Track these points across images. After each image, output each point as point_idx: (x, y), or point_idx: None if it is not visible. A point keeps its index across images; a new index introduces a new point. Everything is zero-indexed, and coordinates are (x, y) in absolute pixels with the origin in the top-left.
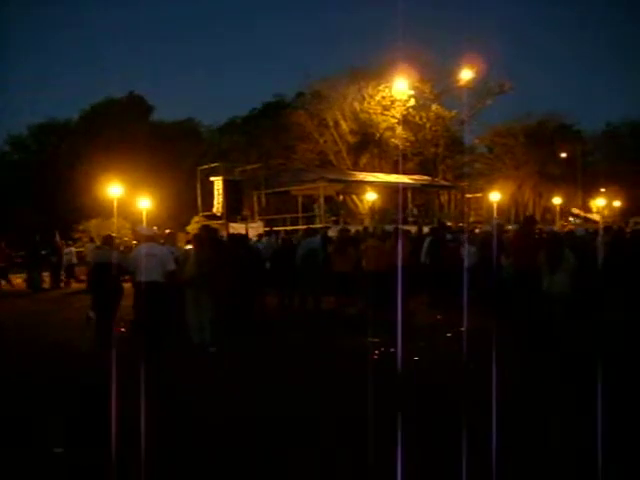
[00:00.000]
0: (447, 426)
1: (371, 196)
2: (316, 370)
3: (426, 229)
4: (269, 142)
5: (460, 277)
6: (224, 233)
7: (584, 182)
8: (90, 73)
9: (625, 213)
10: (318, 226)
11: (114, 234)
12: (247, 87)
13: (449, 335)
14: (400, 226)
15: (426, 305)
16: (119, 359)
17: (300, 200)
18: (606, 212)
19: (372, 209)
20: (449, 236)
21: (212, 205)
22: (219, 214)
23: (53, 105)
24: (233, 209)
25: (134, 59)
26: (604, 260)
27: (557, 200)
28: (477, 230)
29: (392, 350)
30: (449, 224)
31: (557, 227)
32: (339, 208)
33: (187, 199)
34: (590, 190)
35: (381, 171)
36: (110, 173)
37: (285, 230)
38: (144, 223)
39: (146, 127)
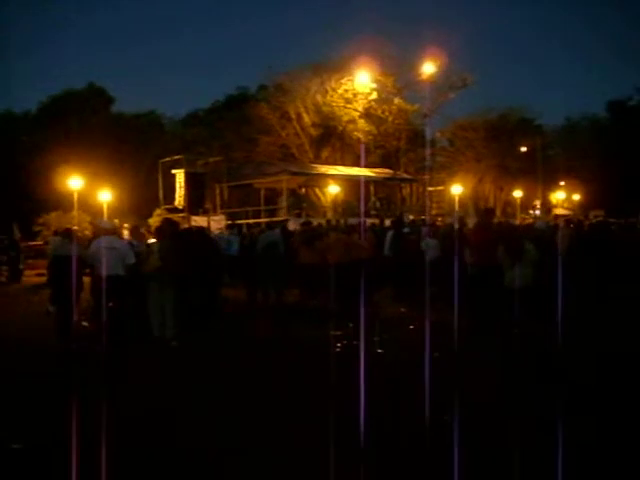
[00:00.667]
0: (410, 420)
1: (333, 189)
2: (278, 364)
3: (388, 222)
4: (232, 135)
5: (423, 270)
6: (186, 226)
7: (544, 176)
8: (49, 64)
9: (584, 206)
10: (279, 219)
11: (74, 227)
12: (210, 79)
13: (412, 328)
14: (363, 219)
15: (389, 298)
16: (79, 353)
17: (263, 193)
18: (566, 205)
19: (334, 202)
20: (406, 229)
21: (174, 198)
22: (181, 207)
23: (11, 96)
24: (195, 202)
25: (95, 50)
26: (565, 252)
27: (518, 193)
28: (438, 222)
29: (355, 343)
30: (411, 217)
31: (518, 220)
32: (302, 201)
33: (149, 192)
34: (550, 184)
35: (343, 164)
36: (70, 165)
37: (247, 223)
38: (105, 216)
39: (107, 119)
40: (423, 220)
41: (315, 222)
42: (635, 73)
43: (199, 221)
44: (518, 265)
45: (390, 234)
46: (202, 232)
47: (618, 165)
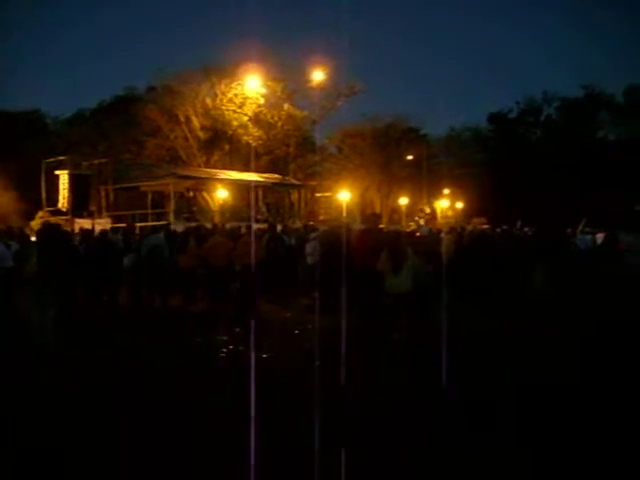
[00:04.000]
0: (293, 424)
1: (222, 193)
2: (162, 370)
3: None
4: (118, 136)
5: (304, 274)
6: (69, 229)
7: (429, 184)
8: None
9: (467, 214)
10: (162, 223)
11: None
12: (96, 78)
13: (297, 332)
14: (253, 223)
15: (275, 302)
16: None
17: (150, 196)
18: (449, 213)
19: (222, 206)
20: (313, 234)
21: (57, 200)
22: (64, 209)
23: None
24: (79, 204)
25: None
26: (447, 259)
27: (403, 201)
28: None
29: (240, 348)
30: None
31: (403, 227)
32: (191, 205)
33: (31, 193)
34: (435, 192)
35: (232, 169)
36: None
37: (131, 226)
38: None
39: None
40: (310, 225)
41: (194, 225)
42: (515, 86)
43: (83, 224)
44: (400, 271)
45: (266, 237)
46: (102, 236)
47: (498, 174)
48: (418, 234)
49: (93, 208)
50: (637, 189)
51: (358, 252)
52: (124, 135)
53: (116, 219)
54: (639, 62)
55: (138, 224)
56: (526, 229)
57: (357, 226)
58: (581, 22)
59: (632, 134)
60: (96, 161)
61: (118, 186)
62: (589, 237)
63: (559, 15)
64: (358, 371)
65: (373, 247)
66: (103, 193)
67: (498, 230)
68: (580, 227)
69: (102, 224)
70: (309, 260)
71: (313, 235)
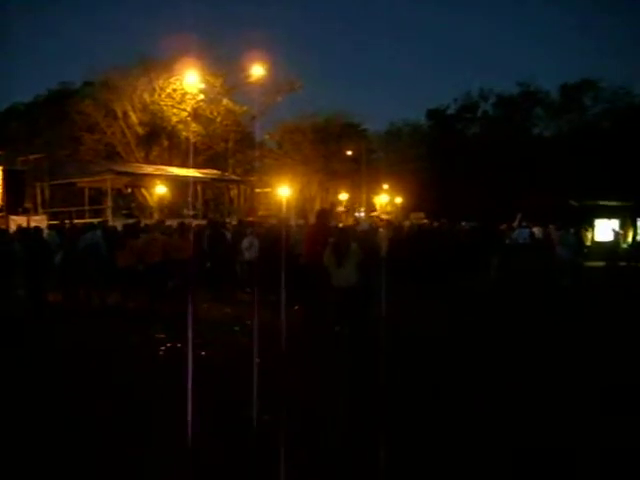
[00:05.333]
0: (232, 420)
1: (160, 189)
2: (100, 368)
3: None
4: (54, 131)
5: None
6: (3, 227)
7: (368, 179)
8: None
9: (406, 209)
10: (99, 220)
11: None
12: (31, 72)
13: (237, 329)
14: (190, 220)
15: (215, 299)
16: None
17: (87, 193)
18: (389, 208)
19: (161, 202)
20: (250, 229)
21: None
22: None
23: None
24: (14, 201)
25: None
26: (387, 252)
27: (343, 196)
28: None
29: (178, 345)
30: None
31: (342, 222)
32: (129, 201)
33: None
34: (374, 187)
35: (172, 164)
36: None
37: (71, 223)
38: None
39: None
40: (246, 221)
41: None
42: (454, 83)
43: (18, 221)
44: (344, 265)
45: (207, 233)
46: (33, 232)
47: (435, 170)
48: (359, 229)
49: (29, 205)
50: (572, 184)
51: (306, 247)
52: (60, 130)
53: (53, 216)
54: (574, 59)
55: (75, 221)
56: (464, 224)
57: (294, 222)
58: (518, 20)
59: (567, 130)
60: (31, 157)
61: (54, 182)
62: (527, 231)
63: (497, 13)
64: (299, 366)
65: (322, 242)
66: (39, 190)
67: (436, 224)
68: (516, 222)
69: (38, 221)
70: (246, 255)
71: (250, 230)
